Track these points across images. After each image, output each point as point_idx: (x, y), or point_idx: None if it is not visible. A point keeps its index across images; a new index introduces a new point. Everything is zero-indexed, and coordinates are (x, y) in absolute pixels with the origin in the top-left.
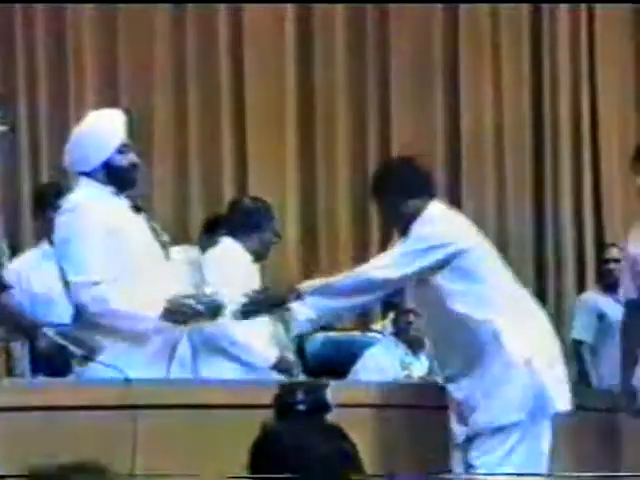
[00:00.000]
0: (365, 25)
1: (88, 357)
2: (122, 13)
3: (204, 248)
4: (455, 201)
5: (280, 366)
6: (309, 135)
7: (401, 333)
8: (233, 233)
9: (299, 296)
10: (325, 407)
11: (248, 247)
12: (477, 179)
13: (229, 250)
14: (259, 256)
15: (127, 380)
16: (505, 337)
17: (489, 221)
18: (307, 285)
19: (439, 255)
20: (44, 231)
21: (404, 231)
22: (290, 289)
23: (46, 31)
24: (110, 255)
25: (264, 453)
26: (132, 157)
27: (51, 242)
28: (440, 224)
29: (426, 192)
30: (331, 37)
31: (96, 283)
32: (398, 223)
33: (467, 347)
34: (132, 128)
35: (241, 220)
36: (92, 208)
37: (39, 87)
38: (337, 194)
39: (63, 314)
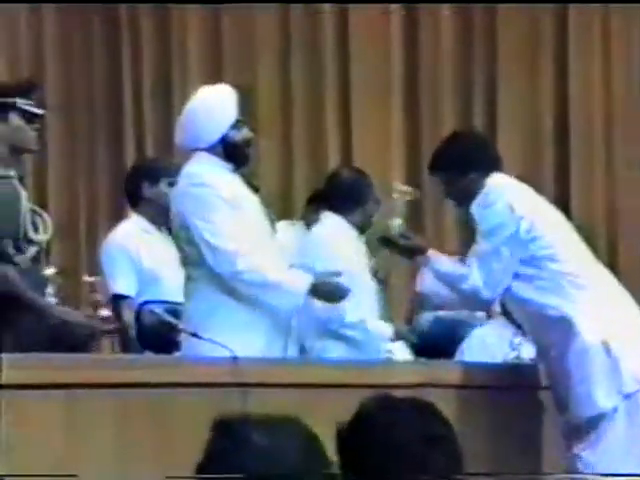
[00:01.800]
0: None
1: (196, 334)
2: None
3: (308, 223)
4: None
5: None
6: (415, 109)
7: (510, 313)
8: (335, 208)
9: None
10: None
11: (352, 221)
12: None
13: (335, 227)
14: (363, 228)
15: (235, 358)
16: (578, 322)
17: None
18: (434, 259)
19: (516, 238)
20: (143, 207)
21: (463, 206)
22: (421, 250)
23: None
24: (239, 225)
25: (358, 430)
26: (246, 132)
27: (153, 218)
28: (502, 202)
29: (485, 165)
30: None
31: (249, 252)
32: (457, 198)
33: (543, 334)
34: (243, 104)
35: (343, 194)
36: (219, 181)
37: (144, 65)
38: None
39: (170, 291)
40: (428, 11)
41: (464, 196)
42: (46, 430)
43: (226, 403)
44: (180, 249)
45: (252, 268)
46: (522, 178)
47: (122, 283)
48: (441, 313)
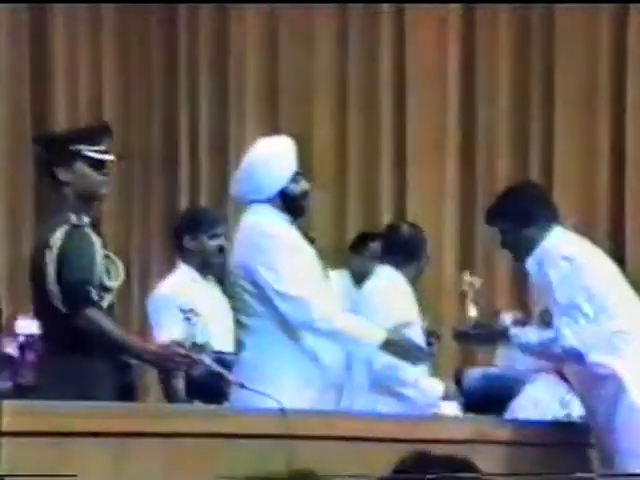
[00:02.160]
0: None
1: (244, 385)
2: (284, 41)
3: (355, 271)
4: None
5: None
6: (469, 164)
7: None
8: (392, 261)
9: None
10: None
11: (407, 276)
12: None
13: (392, 280)
14: (414, 284)
15: (282, 409)
16: (627, 379)
17: None
18: (518, 335)
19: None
20: (188, 258)
21: (520, 259)
22: (501, 334)
23: (209, 62)
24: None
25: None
26: (304, 185)
27: (198, 268)
28: (563, 258)
29: (544, 219)
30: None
31: (320, 301)
32: (515, 251)
33: (592, 389)
34: (300, 155)
35: (400, 248)
36: (282, 231)
37: (200, 117)
38: None
39: (217, 341)
40: (485, 59)
41: (522, 249)
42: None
43: (273, 454)
44: (238, 300)
45: (325, 316)
46: (577, 230)
47: (169, 333)
48: (491, 369)
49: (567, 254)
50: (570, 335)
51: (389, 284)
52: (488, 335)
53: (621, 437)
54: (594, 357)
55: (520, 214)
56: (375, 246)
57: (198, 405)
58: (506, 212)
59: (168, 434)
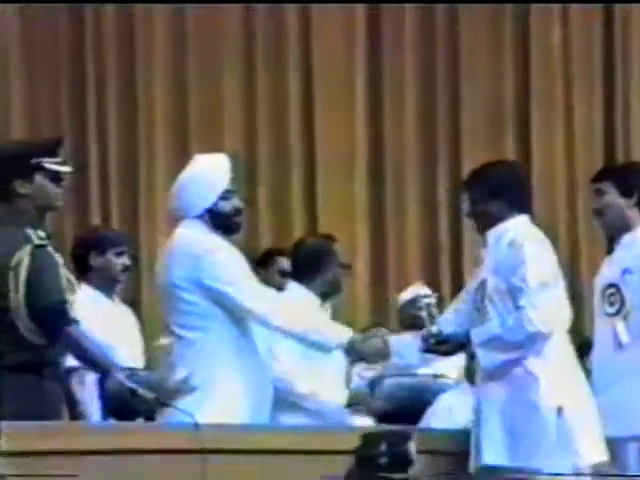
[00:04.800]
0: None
1: (159, 400)
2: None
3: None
4: None
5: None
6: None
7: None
8: (298, 277)
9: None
10: (407, 461)
11: (315, 290)
12: None
13: (297, 296)
14: (327, 295)
15: (196, 425)
16: (542, 381)
17: None
18: (476, 334)
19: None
20: (96, 275)
21: (480, 230)
22: (461, 345)
23: (117, 76)
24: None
25: None
26: (236, 202)
27: (102, 287)
28: (526, 245)
29: (512, 200)
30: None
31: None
32: (477, 222)
33: (499, 380)
34: (237, 173)
35: (304, 262)
36: (218, 247)
37: (110, 134)
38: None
39: (124, 360)
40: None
41: (484, 222)
42: None
43: (187, 469)
44: (177, 314)
45: (287, 325)
46: None
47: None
48: (404, 379)
49: (532, 240)
50: (536, 318)
51: (293, 300)
52: (450, 350)
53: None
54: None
55: (492, 187)
56: (282, 261)
57: (109, 422)
58: (479, 183)
59: (75, 452)
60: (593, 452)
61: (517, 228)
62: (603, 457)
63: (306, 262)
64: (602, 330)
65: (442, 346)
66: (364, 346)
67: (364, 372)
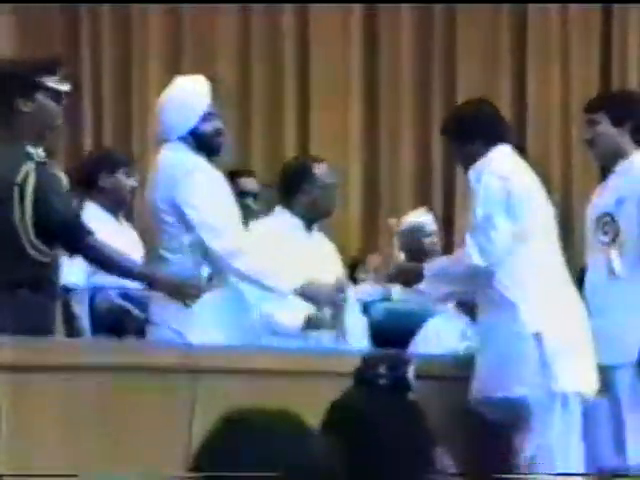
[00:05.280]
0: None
1: (149, 319)
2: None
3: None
4: None
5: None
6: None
7: (463, 303)
8: (281, 200)
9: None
10: (407, 385)
11: (297, 213)
12: None
13: (277, 223)
14: (311, 219)
15: (188, 344)
16: (521, 308)
17: None
18: (428, 267)
19: (507, 209)
20: (99, 196)
21: (465, 172)
22: (417, 275)
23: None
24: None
25: (338, 418)
26: (217, 123)
27: (109, 207)
28: (497, 173)
29: (491, 134)
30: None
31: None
32: (463, 165)
33: (485, 310)
34: (216, 95)
35: (282, 185)
36: (200, 168)
37: (103, 51)
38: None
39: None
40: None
41: (465, 163)
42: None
43: (176, 388)
44: (160, 234)
45: (244, 269)
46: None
47: (70, 274)
48: (392, 304)
49: (501, 173)
50: (476, 252)
51: (271, 226)
52: (410, 277)
53: (495, 362)
54: (499, 281)
55: (462, 132)
56: (243, 182)
57: (100, 339)
58: (450, 130)
59: (67, 367)
60: (576, 379)
61: (496, 159)
62: (590, 386)
63: (284, 183)
64: (595, 258)
65: (400, 276)
66: (315, 292)
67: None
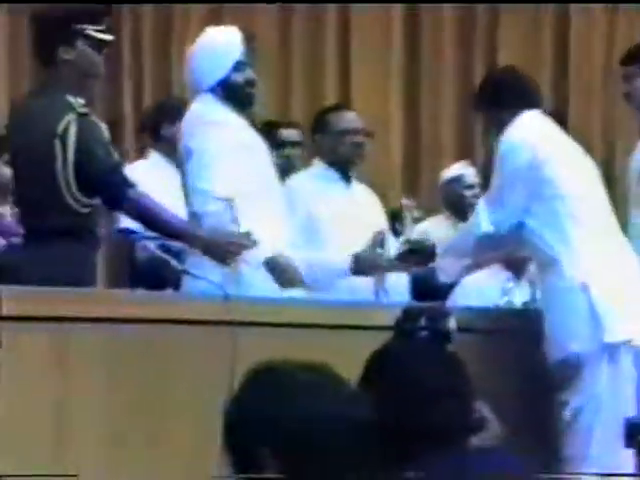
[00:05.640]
0: None
1: (189, 271)
2: None
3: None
4: None
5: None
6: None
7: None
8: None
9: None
10: (446, 336)
11: (324, 159)
12: None
13: (310, 175)
14: (339, 168)
15: (226, 296)
16: (564, 262)
17: None
18: (441, 255)
19: (528, 173)
20: (161, 145)
21: (493, 143)
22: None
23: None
24: (243, 170)
25: (378, 368)
26: (249, 74)
27: (170, 157)
28: (518, 139)
29: (516, 102)
30: None
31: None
32: (492, 134)
33: (538, 270)
34: (249, 46)
35: (309, 136)
36: (222, 122)
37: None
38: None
39: None
40: None
41: (498, 130)
42: (39, 364)
43: (216, 341)
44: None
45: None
46: None
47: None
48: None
49: (523, 139)
50: (486, 219)
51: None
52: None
53: (551, 322)
54: (542, 240)
55: (488, 97)
56: (280, 132)
57: (140, 291)
58: (480, 98)
59: (108, 319)
60: (627, 329)
61: (521, 125)
62: (638, 335)
63: (309, 134)
64: (638, 210)
65: (412, 257)
66: (279, 271)
67: None
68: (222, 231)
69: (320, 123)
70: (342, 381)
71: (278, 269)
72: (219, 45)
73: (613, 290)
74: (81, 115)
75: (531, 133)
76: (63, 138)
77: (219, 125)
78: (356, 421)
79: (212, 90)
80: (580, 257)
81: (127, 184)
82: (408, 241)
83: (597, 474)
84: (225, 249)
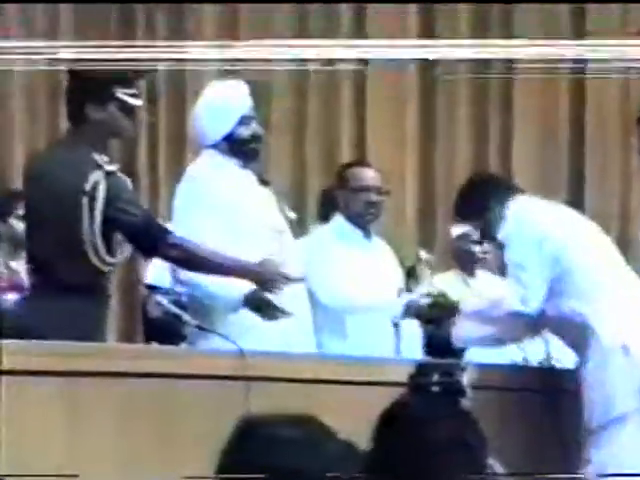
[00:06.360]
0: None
1: (202, 327)
2: None
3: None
4: None
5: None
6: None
7: None
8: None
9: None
10: (460, 391)
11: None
12: None
13: (329, 230)
14: (356, 223)
15: (241, 351)
16: (597, 323)
17: None
18: (465, 305)
19: (548, 254)
20: None
21: (496, 245)
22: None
23: None
24: (221, 228)
25: (389, 423)
26: (255, 128)
27: None
28: (522, 222)
29: (499, 203)
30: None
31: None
32: (488, 239)
33: (564, 337)
34: (257, 97)
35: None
36: (211, 179)
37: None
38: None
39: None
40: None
41: (491, 234)
42: (47, 419)
43: (230, 396)
44: None
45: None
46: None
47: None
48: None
49: (528, 218)
50: (513, 295)
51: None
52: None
53: (592, 386)
54: (566, 303)
55: (475, 213)
56: None
57: (153, 346)
58: (465, 216)
59: (123, 374)
60: None
61: (516, 211)
62: None
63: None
64: None
65: (433, 310)
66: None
67: None
68: (271, 262)
69: (339, 178)
70: (329, 434)
71: (261, 303)
72: (224, 100)
73: None
74: (109, 173)
75: (534, 213)
76: (91, 196)
77: (196, 181)
78: (339, 475)
79: (215, 145)
80: (615, 318)
81: (165, 231)
82: (430, 294)
83: (598, 475)
84: (277, 279)
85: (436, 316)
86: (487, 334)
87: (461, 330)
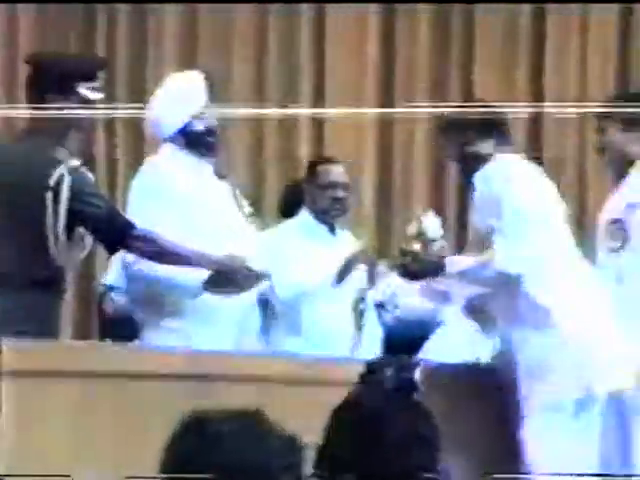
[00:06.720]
0: None
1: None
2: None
3: None
4: None
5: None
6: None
7: (472, 310)
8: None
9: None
10: (413, 387)
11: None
12: None
13: (295, 225)
14: (322, 220)
15: (193, 349)
16: (555, 312)
17: None
18: (451, 262)
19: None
20: None
21: (467, 174)
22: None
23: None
24: (177, 222)
25: (343, 418)
26: (211, 122)
27: None
28: (513, 181)
29: (495, 136)
30: None
31: None
32: (461, 164)
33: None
34: (214, 90)
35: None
36: (167, 173)
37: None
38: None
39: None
40: None
41: (469, 165)
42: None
43: (183, 393)
44: None
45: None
46: None
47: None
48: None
49: (517, 179)
50: (504, 257)
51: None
52: (427, 269)
53: (540, 370)
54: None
55: (471, 128)
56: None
57: (107, 343)
58: (456, 125)
59: (76, 373)
60: (606, 379)
61: (508, 163)
62: (620, 384)
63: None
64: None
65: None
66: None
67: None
68: (237, 257)
69: (307, 174)
70: (272, 428)
71: (228, 274)
72: (180, 93)
73: (597, 340)
74: (73, 169)
75: (523, 176)
76: (55, 191)
77: (166, 177)
78: (285, 469)
79: (171, 139)
80: (569, 307)
81: (130, 224)
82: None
83: (595, 475)
84: (242, 274)
85: (419, 270)
86: (474, 295)
87: (452, 288)
